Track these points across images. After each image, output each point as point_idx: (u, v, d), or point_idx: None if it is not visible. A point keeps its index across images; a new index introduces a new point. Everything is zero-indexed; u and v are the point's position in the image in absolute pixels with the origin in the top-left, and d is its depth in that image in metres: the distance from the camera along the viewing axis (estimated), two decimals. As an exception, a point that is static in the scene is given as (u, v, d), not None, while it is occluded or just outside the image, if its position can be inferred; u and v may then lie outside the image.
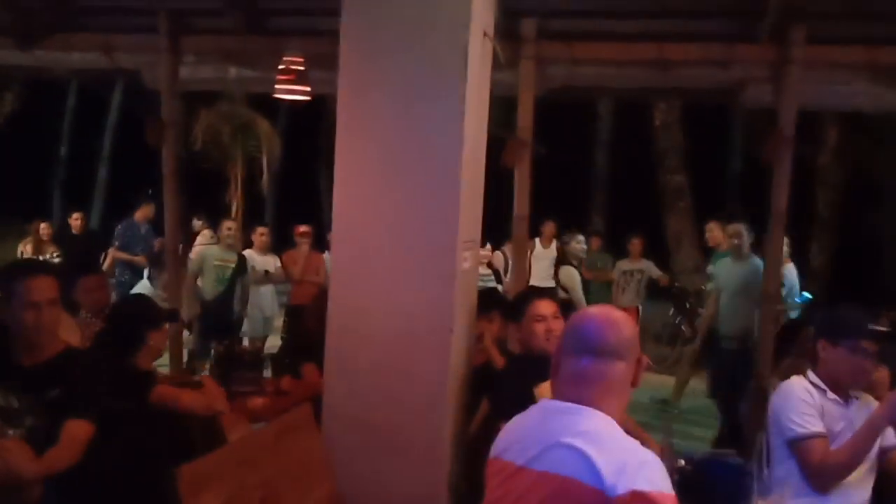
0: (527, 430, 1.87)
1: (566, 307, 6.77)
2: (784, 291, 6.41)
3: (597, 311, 1.96)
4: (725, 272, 6.67)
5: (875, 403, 2.88)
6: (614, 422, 1.78)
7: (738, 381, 5.57)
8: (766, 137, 5.13)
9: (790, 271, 6.71)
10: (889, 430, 2.81)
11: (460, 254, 3.14)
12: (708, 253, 8.64)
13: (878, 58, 4.80)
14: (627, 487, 1.62)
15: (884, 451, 2.84)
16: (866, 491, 2.84)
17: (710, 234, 7.91)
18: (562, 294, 7.77)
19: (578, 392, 1.82)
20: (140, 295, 4.37)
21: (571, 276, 7.64)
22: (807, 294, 7.30)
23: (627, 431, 1.79)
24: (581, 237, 7.70)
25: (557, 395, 1.88)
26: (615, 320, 1.89)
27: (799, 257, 7.19)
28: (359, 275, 3.21)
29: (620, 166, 14.87)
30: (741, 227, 6.51)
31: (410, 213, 3.15)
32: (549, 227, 9.15)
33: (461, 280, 3.17)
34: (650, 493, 1.63)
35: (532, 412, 1.93)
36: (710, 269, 7.52)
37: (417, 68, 3.13)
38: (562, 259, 8.03)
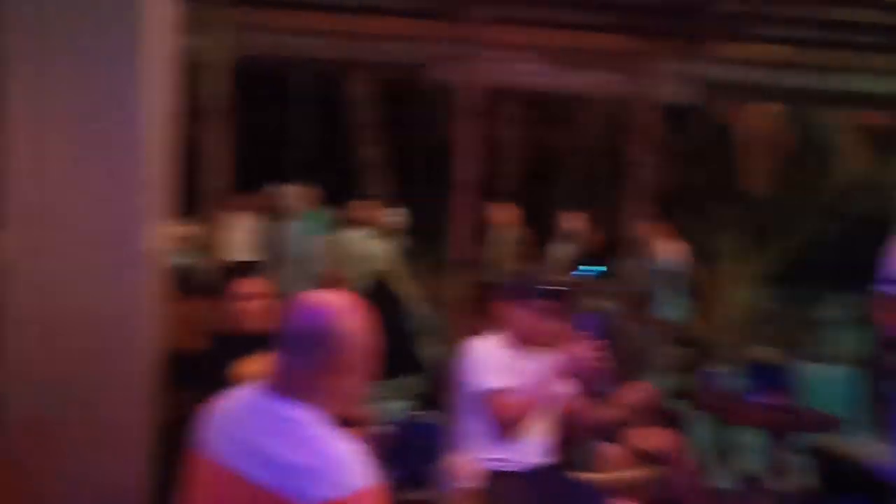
0: (230, 423, 1.78)
1: None
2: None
3: (305, 298, 1.82)
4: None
5: (551, 357, 3.19)
6: (318, 416, 1.71)
7: None
8: (452, 114, 5.44)
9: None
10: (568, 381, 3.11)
11: (145, 231, 2.95)
12: None
13: (556, 40, 5.28)
14: (323, 495, 1.60)
15: (562, 399, 3.15)
16: (550, 436, 3.14)
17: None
18: None
19: (282, 383, 1.76)
20: None
21: None
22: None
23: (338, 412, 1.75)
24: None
25: (270, 382, 1.79)
26: (313, 310, 1.79)
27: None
28: (37, 259, 2.88)
29: (319, 139, 14.89)
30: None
31: (90, 189, 2.89)
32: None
33: (148, 260, 2.97)
34: (345, 499, 1.61)
35: (238, 401, 1.82)
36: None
37: (87, 30, 2.85)
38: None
